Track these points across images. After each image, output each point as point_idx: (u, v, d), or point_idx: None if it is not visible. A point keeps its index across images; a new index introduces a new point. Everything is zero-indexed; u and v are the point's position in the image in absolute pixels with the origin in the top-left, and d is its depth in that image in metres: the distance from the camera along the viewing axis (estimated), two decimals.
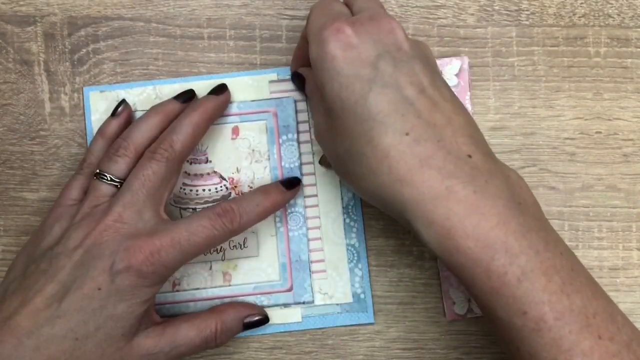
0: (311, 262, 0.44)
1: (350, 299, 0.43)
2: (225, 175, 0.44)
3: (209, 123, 0.41)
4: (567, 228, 0.45)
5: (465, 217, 0.31)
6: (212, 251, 0.43)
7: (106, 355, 0.36)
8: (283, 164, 0.44)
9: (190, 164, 0.44)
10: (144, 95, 0.44)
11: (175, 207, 0.43)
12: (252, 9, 0.45)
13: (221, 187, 0.44)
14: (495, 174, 0.33)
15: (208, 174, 0.44)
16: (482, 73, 0.45)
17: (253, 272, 0.43)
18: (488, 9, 0.45)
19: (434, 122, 0.33)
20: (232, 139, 0.44)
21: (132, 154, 0.40)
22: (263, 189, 0.41)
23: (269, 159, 0.44)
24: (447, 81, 0.44)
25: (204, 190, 0.43)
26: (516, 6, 0.45)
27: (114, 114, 0.43)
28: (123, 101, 0.43)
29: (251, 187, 0.44)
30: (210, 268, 0.43)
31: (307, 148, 0.44)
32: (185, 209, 0.43)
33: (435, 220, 0.32)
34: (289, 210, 0.44)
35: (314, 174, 0.44)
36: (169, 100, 0.42)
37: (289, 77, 0.44)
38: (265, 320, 0.42)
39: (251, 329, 0.42)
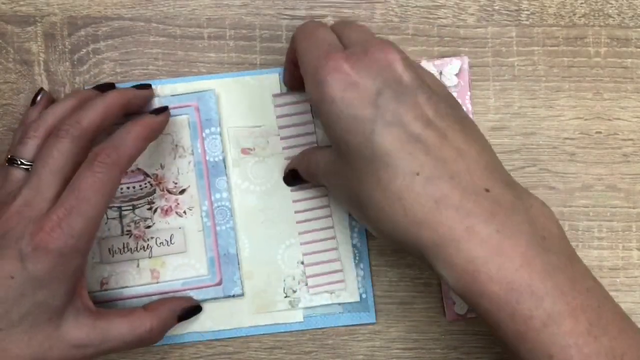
0: (326, 262, 0.43)
1: (357, 298, 0.43)
2: (149, 172, 0.43)
3: (122, 110, 0.40)
4: (567, 228, 0.45)
5: (488, 260, 0.30)
6: (139, 248, 0.43)
7: (34, 343, 0.35)
8: (207, 157, 0.43)
9: None
10: None
11: None
12: (252, 9, 0.45)
13: (145, 184, 0.43)
14: (517, 207, 0.32)
15: (132, 171, 0.43)
16: (482, 73, 0.45)
17: (181, 268, 0.43)
18: (488, 9, 0.45)
19: (444, 157, 0.32)
20: None
21: (41, 134, 0.38)
22: (132, 120, 0.39)
23: (192, 154, 0.43)
24: (447, 81, 0.44)
25: (128, 188, 0.43)
26: (516, 6, 0.45)
27: (33, 102, 0.42)
28: (41, 89, 0.43)
29: (176, 183, 0.43)
30: (138, 266, 0.43)
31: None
32: (109, 207, 0.43)
33: (457, 264, 0.31)
34: (216, 205, 0.43)
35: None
36: (88, 89, 0.42)
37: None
38: (198, 308, 0.42)
39: (187, 319, 0.42)
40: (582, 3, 0.45)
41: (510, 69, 0.45)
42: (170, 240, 0.43)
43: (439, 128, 0.32)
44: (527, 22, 0.45)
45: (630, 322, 0.32)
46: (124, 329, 0.38)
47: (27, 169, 0.38)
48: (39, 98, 0.42)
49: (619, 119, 0.45)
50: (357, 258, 0.44)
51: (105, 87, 0.42)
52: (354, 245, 0.44)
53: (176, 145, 0.44)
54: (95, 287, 0.43)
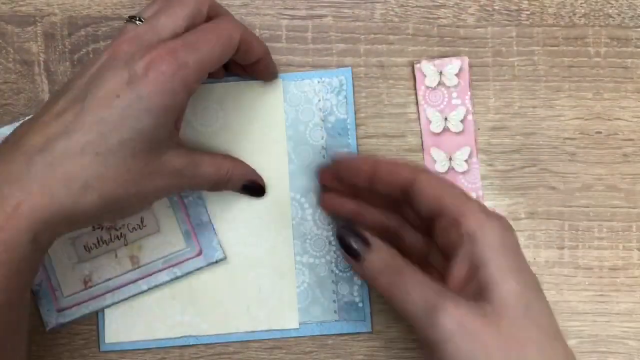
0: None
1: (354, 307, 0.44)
2: None
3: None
4: (567, 228, 0.45)
5: None
6: (113, 239, 0.43)
7: (134, 170, 0.35)
8: None
9: None
10: None
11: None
12: (252, 9, 0.45)
13: None
14: None
15: None
16: (482, 73, 0.45)
17: (159, 248, 0.43)
18: (488, 9, 0.45)
19: None
20: None
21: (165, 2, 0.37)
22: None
23: None
24: (447, 81, 0.44)
25: None
26: (516, 6, 0.45)
27: None
28: None
29: None
30: (116, 256, 0.43)
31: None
32: (98, 227, 0.43)
33: None
34: None
35: None
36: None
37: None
38: (261, 192, 0.43)
39: (248, 194, 0.43)
40: (582, 3, 0.45)
41: (510, 69, 0.45)
42: (142, 223, 0.43)
43: None
44: (527, 22, 0.45)
45: None
46: (210, 168, 0.39)
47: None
48: None
49: (619, 119, 0.45)
50: None
51: None
52: None
53: None
54: (79, 287, 0.43)
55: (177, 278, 0.43)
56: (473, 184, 0.44)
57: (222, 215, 0.44)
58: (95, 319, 0.44)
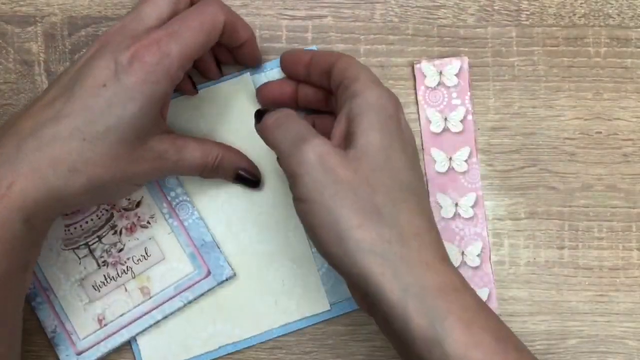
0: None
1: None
2: None
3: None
4: (567, 228, 0.45)
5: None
6: (120, 274, 0.43)
7: (119, 157, 0.36)
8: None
9: None
10: None
11: (67, 250, 0.43)
12: (252, 9, 0.45)
13: (101, 212, 0.43)
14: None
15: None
16: (482, 73, 0.45)
17: (167, 275, 0.43)
18: (488, 9, 0.45)
19: None
20: None
21: None
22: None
23: None
24: (447, 81, 0.44)
25: (86, 222, 0.43)
26: (516, 6, 0.45)
27: None
28: None
29: (129, 199, 0.43)
30: (126, 290, 0.43)
31: None
32: (77, 248, 0.43)
33: None
34: (174, 203, 0.43)
35: None
36: None
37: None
38: (256, 183, 0.43)
39: (243, 184, 0.43)
40: (582, 3, 0.45)
41: (510, 69, 0.45)
42: (147, 254, 0.43)
43: None
44: (527, 22, 0.45)
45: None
46: (197, 153, 0.40)
47: None
48: None
49: (619, 119, 0.45)
50: None
51: None
52: None
53: None
54: (94, 327, 0.43)
55: (189, 302, 0.43)
56: (473, 184, 0.44)
57: (229, 218, 0.44)
58: (129, 350, 0.43)
